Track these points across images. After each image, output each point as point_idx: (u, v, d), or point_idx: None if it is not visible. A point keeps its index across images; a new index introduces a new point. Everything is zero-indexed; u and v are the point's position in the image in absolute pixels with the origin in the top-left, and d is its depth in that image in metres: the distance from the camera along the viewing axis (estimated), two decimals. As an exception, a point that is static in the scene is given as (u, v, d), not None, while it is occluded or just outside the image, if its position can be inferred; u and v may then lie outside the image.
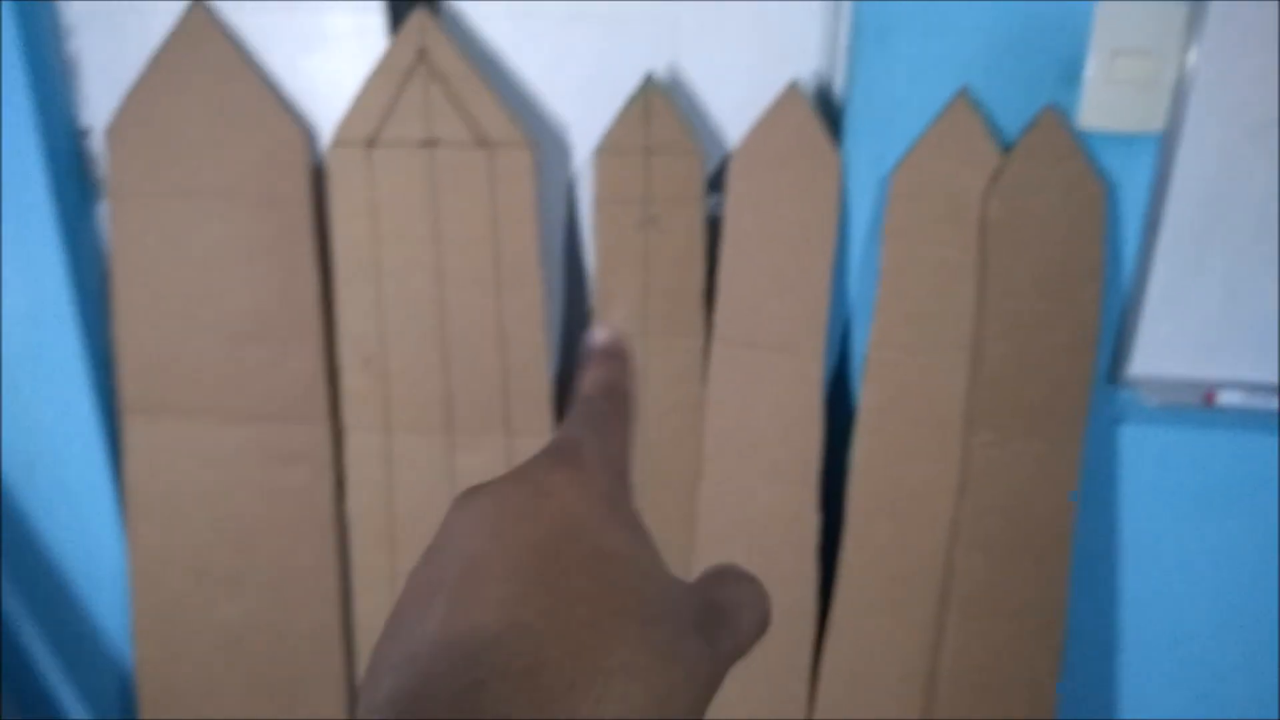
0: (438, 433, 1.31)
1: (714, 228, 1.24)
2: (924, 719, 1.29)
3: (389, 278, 1.26)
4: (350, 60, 1.24)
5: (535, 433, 1.30)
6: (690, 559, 1.31)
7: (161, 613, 1.40)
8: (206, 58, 1.22)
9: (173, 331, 1.30)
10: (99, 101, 1.29)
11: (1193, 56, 1.12)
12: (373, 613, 1.38)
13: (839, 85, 1.22)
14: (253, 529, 1.38)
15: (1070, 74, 1.14)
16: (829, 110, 1.24)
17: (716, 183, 1.24)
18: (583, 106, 1.26)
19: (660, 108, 1.19)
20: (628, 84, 1.20)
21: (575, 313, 1.33)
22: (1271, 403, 1.23)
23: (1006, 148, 1.16)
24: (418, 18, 1.17)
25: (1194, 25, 1.10)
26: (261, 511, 1.37)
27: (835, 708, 1.31)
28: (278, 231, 1.26)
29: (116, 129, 1.25)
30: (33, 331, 1.33)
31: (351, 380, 1.30)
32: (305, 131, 1.24)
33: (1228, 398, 1.23)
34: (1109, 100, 1.14)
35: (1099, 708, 1.44)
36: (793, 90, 1.18)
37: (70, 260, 1.31)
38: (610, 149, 1.21)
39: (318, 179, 1.26)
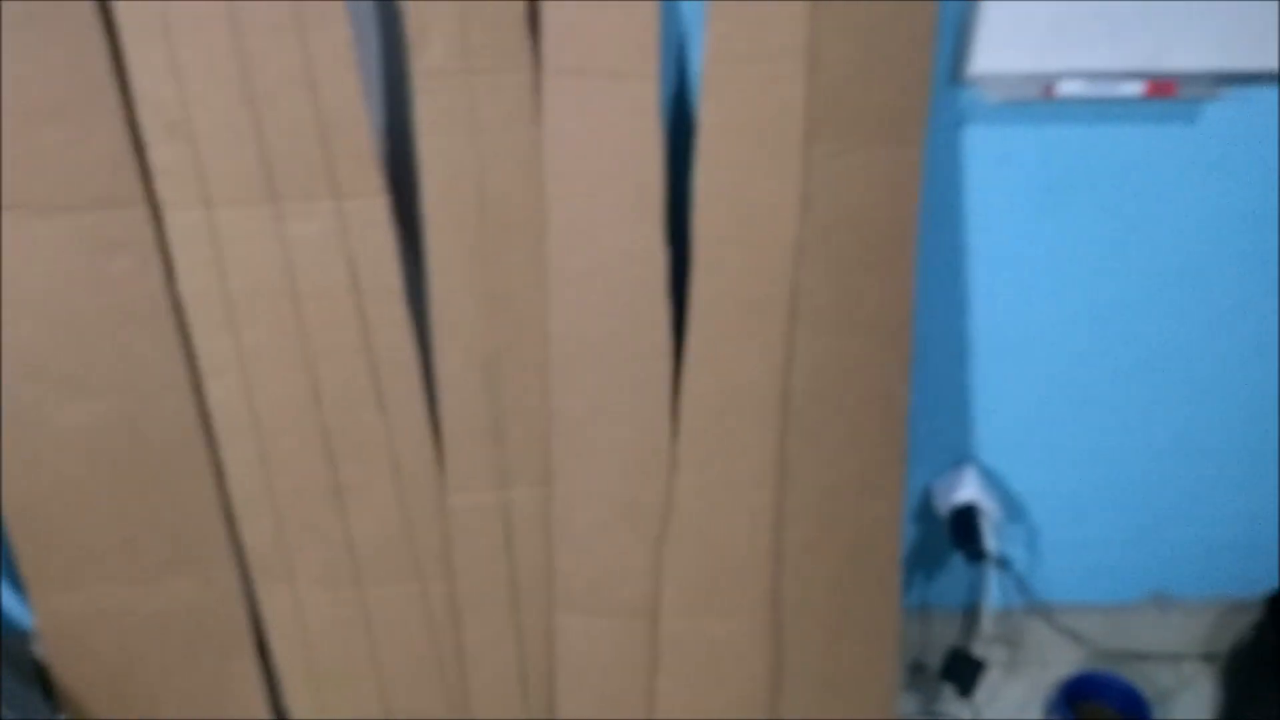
0: (262, 203, 1.23)
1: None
2: (781, 436, 1.32)
3: (178, 31, 1.14)
4: None
5: (365, 193, 1.23)
6: (547, 309, 1.29)
7: (6, 424, 1.33)
8: None
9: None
10: None
11: None
12: (225, 398, 1.34)
13: None
14: (85, 325, 1.31)
15: None
16: None
17: (527, -106, 1.13)
18: None
19: None
20: None
21: (392, 54, 1.24)
22: (1111, 90, 1.21)
23: None
24: None
25: None
26: (91, 305, 1.30)
27: (697, 437, 1.34)
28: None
29: None
30: None
31: (159, 153, 1.21)
32: None
33: (1067, 88, 1.21)
34: None
35: (951, 411, 1.50)
36: None
37: None
38: None
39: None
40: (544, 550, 1.43)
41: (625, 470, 1.36)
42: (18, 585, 1.47)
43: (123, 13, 1.14)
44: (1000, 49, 1.21)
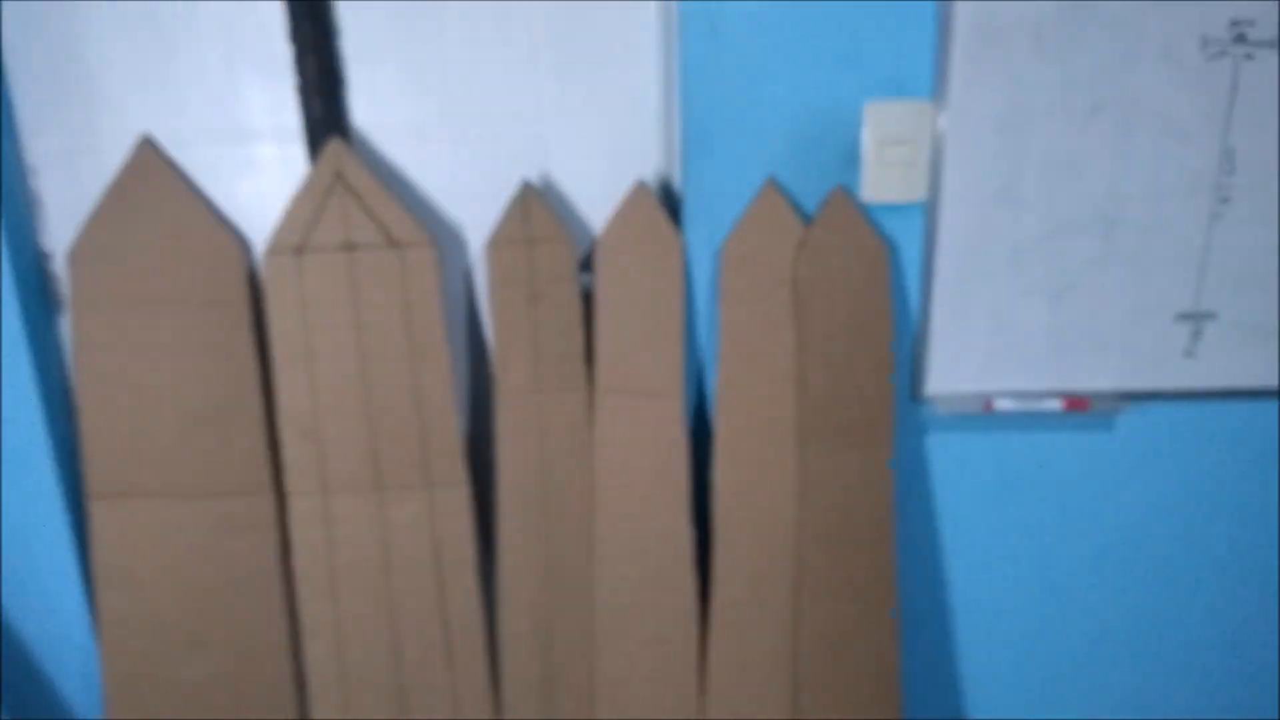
0: (369, 491, 1.55)
1: (588, 300, 1.53)
2: (794, 690, 1.56)
3: (320, 361, 1.51)
4: (277, 184, 1.51)
5: (452, 483, 1.54)
6: (591, 577, 1.57)
7: (131, 678, 1.58)
8: (154, 185, 1.47)
9: (132, 423, 1.52)
10: (60, 228, 1.53)
11: (942, 139, 1.46)
12: (321, 659, 1.59)
13: (677, 181, 1.53)
14: (209, 593, 1.58)
15: (851, 160, 1.47)
16: (670, 201, 1.55)
17: (587, 264, 1.54)
18: (474, 210, 1.55)
19: (536, 206, 1.49)
20: (508, 189, 1.49)
21: (479, 378, 1.60)
22: (1036, 405, 1.56)
23: (808, 221, 1.49)
24: (333, 146, 1.45)
25: (938, 116, 1.45)
26: (217, 577, 1.58)
27: (723, 692, 1.57)
28: (222, 329, 1.50)
29: (77, 251, 1.48)
30: (5, 431, 1.53)
31: (291, 452, 1.53)
32: (243, 243, 1.50)
33: (1002, 404, 1.56)
34: (882, 178, 1.47)
35: (942, 675, 1.73)
36: (640, 187, 1.49)
37: (36, 366, 1.52)
38: (499, 242, 1.49)
39: (255, 283, 1.51)
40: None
41: (657, 724, 1.58)
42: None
43: (277, 344, 1.51)
44: (947, 374, 1.57)
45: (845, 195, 1.47)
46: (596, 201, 1.55)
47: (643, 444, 1.53)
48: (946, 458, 1.60)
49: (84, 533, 1.57)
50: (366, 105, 1.51)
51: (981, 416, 1.57)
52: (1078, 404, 1.55)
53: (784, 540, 1.53)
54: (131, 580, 1.55)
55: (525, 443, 1.54)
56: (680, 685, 1.58)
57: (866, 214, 1.48)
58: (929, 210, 1.49)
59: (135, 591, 1.56)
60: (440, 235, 1.54)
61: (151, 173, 1.48)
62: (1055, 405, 1.55)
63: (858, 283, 1.49)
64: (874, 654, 1.56)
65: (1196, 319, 1.54)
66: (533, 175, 1.54)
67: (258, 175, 1.52)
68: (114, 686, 1.58)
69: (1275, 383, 1.57)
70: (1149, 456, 1.61)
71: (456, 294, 1.58)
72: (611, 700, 1.59)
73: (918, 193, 1.47)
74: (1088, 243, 1.50)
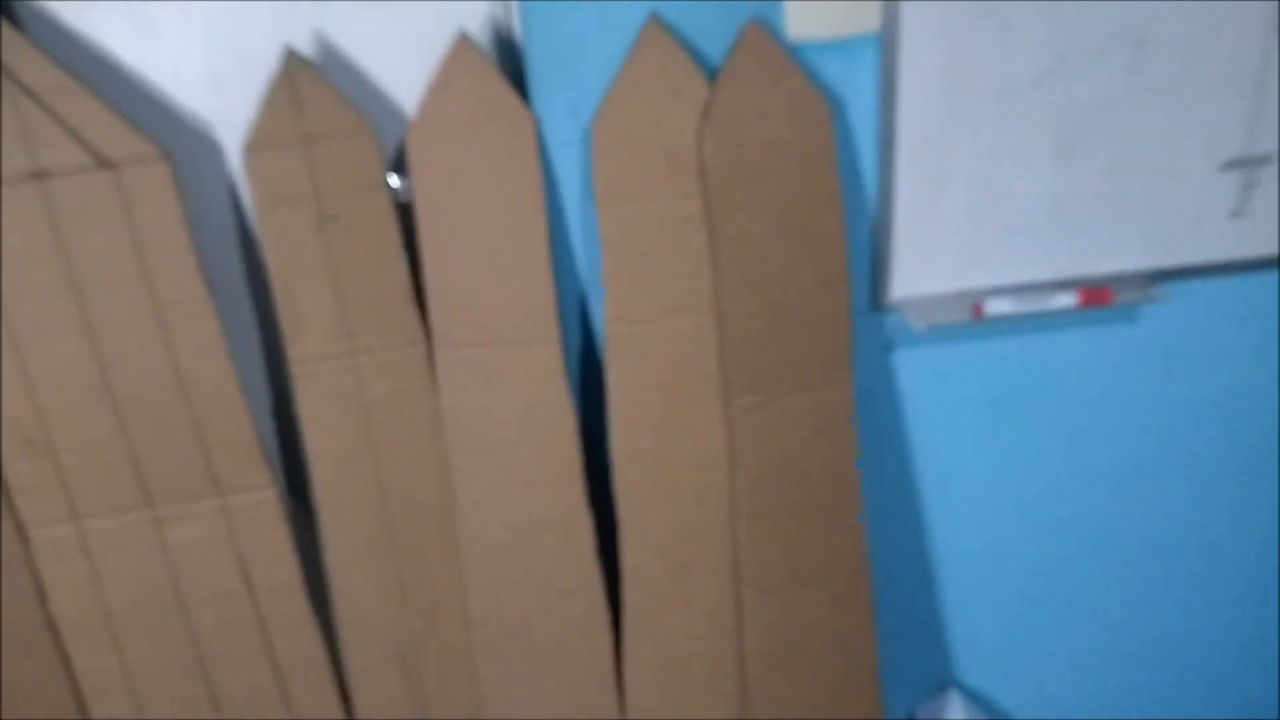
0: (135, 508, 1.11)
1: (408, 217, 1.07)
2: (741, 705, 1.19)
3: (29, 344, 1.04)
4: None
5: (251, 488, 1.11)
6: (463, 588, 1.16)
7: None
8: None
9: None
10: None
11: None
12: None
13: (519, 31, 1.04)
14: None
15: (768, -20, 1.00)
16: (513, 60, 1.07)
17: (403, 164, 1.06)
18: (226, 98, 1.06)
19: (310, 86, 1.00)
20: (268, 64, 1.00)
21: (276, 335, 1.14)
22: (1042, 304, 1.14)
23: (712, 75, 1.02)
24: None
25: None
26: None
27: (649, 710, 1.20)
28: None
29: None
30: None
31: (16, 469, 1.09)
32: None
33: (996, 306, 1.14)
34: (817, 5, 1.01)
35: (928, 636, 1.38)
36: (463, 42, 1.00)
37: None
38: (260, 145, 1.01)
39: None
40: None
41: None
42: None
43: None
44: (920, 271, 1.15)
45: (763, 33, 1.00)
46: (407, 68, 1.06)
47: (512, 410, 1.11)
48: (921, 377, 1.20)
49: None
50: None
51: (967, 326, 1.16)
52: (1096, 296, 1.15)
53: (713, 518, 1.14)
54: None
55: (341, 425, 1.10)
56: (593, 707, 1.20)
57: (797, 58, 1.01)
58: (885, 46, 1.03)
59: None
60: (178, 143, 1.05)
61: None
62: (1068, 300, 1.14)
63: (790, 158, 1.04)
64: (843, 649, 1.19)
65: (1249, 166, 1.13)
66: (299, 39, 1.04)
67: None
68: None
69: (1352, 244, 1.17)
70: (1185, 353, 1.21)
71: (225, 225, 1.10)
72: (507, 734, 1.22)
73: (868, 22, 1.01)
74: (1105, 73, 1.07)
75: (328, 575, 1.17)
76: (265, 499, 1.13)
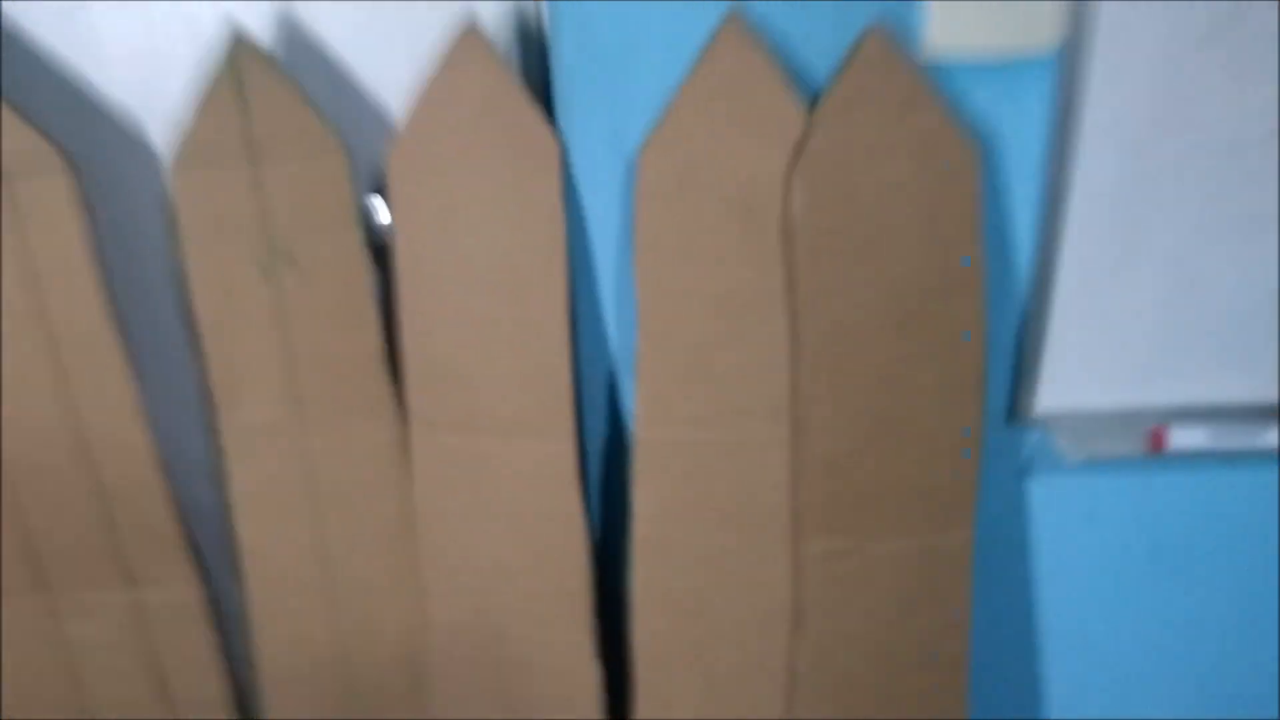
0: (27, 593, 0.87)
1: (383, 259, 0.79)
2: None
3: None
4: None
5: (168, 579, 0.86)
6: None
7: None
8: None
9: None
10: None
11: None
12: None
13: (546, 25, 0.76)
14: None
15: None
16: (541, 67, 0.78)
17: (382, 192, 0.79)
18: (166, 87, 0.79)
19: (263, 84, 0.73)
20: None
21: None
22: (1249, 439, 0.82)
23: (814, 98, 0.72)
24: None
25: None
26: None
27: None
28: None
29: None
30: None
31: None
32: None
33: (1186, 438, 0.82)
34: (970, 8, 0.70)
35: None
36: (471, 36, 0.72)
37: None
38: (192, 159, 0.75)
39: None
40: None
41: None
42: None
43: None
44: (1078, 379, 0.83)
45: (890, 43, 0.69)
46: (400, 72, 0.78)
47: (505, 519, 0.84)
48: (1065, 522, 0.89)
49: None
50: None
51: (1140, 460, 0.84)
52: (1327, 438, 0.82)
53: (763, 694, 0.85)
54: None
55: (282, 521, 0.85)
56: None
57: (936, 80, 0.70)
58: (1066, 69, 0.71)
59: None
60: (91, 150, 0.80)
61: None
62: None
63: (916, 217, 0.74)
64: None
65: None
66: (249, 20, 0.77)
67: None
68: None
69: None
70: None
71: (162, 247, 0.85)
72: None
73: (1043, 34, 0.70)
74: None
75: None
76: (186, 598, 0.88)
